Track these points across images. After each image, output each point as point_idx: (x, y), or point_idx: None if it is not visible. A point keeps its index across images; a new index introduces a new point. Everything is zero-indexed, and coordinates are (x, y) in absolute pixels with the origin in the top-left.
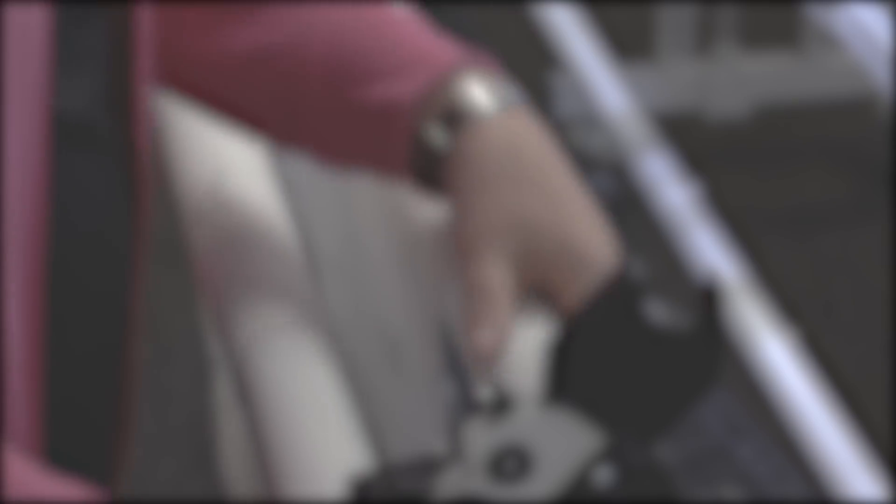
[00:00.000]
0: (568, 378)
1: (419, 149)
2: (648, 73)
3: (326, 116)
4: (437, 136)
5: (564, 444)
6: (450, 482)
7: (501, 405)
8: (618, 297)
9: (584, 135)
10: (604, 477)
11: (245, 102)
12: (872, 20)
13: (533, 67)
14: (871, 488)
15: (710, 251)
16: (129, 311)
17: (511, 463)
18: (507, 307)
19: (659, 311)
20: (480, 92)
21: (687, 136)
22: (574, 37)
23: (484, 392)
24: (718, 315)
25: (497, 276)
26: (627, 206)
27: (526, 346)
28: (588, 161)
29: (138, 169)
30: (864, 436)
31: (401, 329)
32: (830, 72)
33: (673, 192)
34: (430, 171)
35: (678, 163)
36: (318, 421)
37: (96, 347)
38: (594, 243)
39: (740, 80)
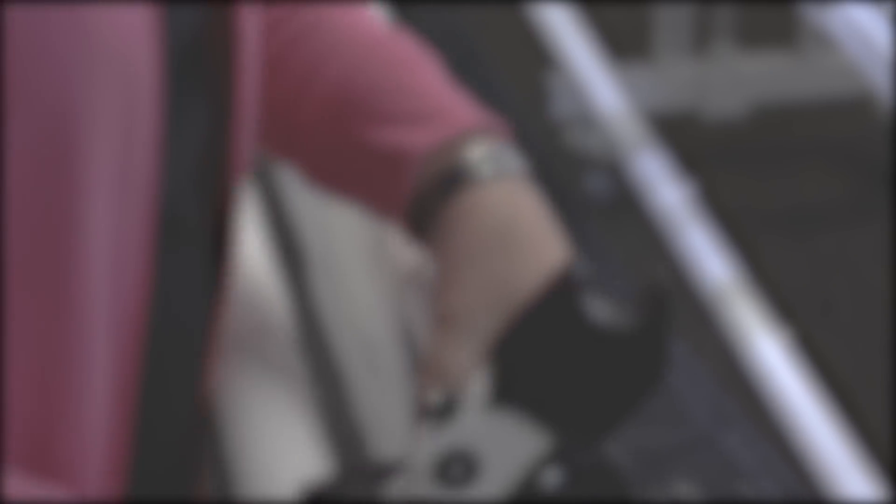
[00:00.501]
0: (512, 379)
1: (416, 200)
2: (645, 73)
3: (326, 145)
4: (434, 192)
5: (511, 446)
6: (398, 488)
7: (447, 410)
8: (560, 296)
9: (580, 134)
10: (552, 479)
11: None
12: (869, 20)
13: (529, 67)
14: (867, 489)
15: (706, 251)
16: (197, 397)
17: (457, 468)
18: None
19: (602, 311)
20: (484, 157)
21: (683, 135)
22: (570, 36)
23: (432, 397)
24: (662, 315)
25: (463, 362)
26: (623, 206)
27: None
28: (584, 161)
29: (225, 255)
30: (861, 437)
31: (376, 331)
32: (827, 71)
33: (669, 191)
34: (421, 223)
35: (674, 162)
36: (282, 427)
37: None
38: None
39: (737, 80)
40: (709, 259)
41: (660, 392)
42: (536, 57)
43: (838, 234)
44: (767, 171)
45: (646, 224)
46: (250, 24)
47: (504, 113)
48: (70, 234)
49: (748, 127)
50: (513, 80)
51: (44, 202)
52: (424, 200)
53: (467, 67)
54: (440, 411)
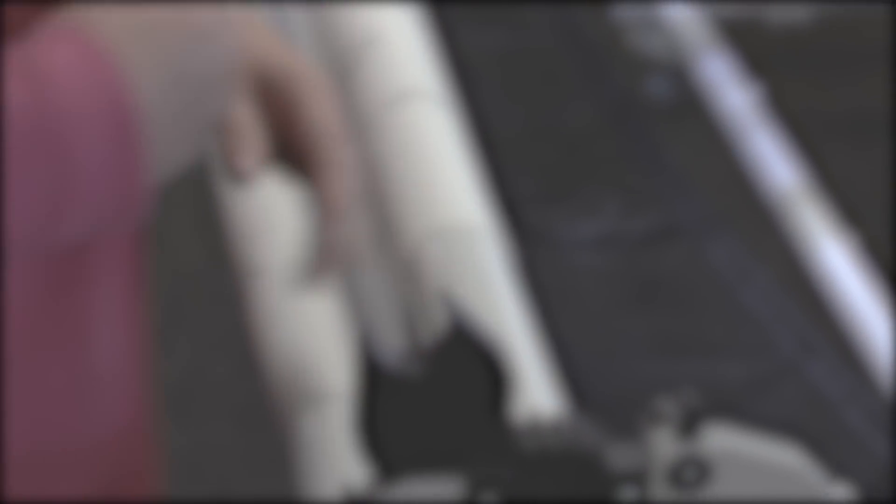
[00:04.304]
0: None
1: None
2: None
3: None
4: None
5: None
6: (631, 491)
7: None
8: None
9: (644, 37)
10: None
11: None
12: None
13: None
14: None
15: (772, 156)
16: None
17: (691, 472)
18: (261, 137)
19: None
20: None
21: (748, 38)
22: None
23: (667, 406)
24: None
25: (244, 114)
26: (687, 109)
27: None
28: (647, 63)
29: None
30: None
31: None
32: None
33: (733, 94)
34: None
35: (739, 66)
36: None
37: None
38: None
39: None
40: (774, 164)
41: (743, 323)
42: None
43: None
44: (832, 76)
45: (708, 128)
46: None
47: (565, 15)
48: None
49: (813, 31)
50: None
51: None
52: None
53: None
54: (683, 424)
